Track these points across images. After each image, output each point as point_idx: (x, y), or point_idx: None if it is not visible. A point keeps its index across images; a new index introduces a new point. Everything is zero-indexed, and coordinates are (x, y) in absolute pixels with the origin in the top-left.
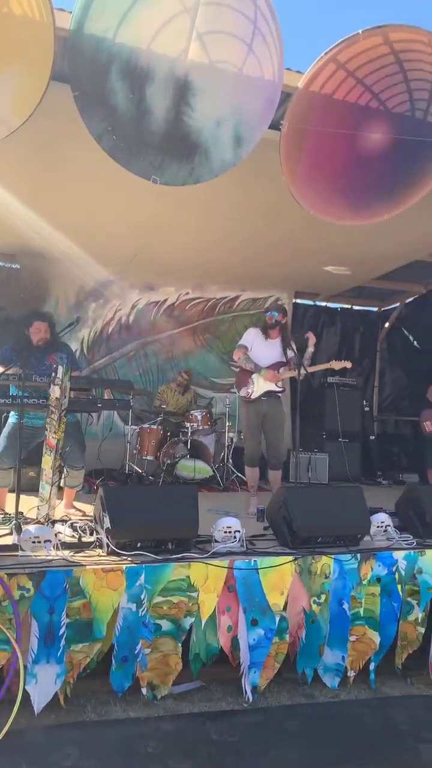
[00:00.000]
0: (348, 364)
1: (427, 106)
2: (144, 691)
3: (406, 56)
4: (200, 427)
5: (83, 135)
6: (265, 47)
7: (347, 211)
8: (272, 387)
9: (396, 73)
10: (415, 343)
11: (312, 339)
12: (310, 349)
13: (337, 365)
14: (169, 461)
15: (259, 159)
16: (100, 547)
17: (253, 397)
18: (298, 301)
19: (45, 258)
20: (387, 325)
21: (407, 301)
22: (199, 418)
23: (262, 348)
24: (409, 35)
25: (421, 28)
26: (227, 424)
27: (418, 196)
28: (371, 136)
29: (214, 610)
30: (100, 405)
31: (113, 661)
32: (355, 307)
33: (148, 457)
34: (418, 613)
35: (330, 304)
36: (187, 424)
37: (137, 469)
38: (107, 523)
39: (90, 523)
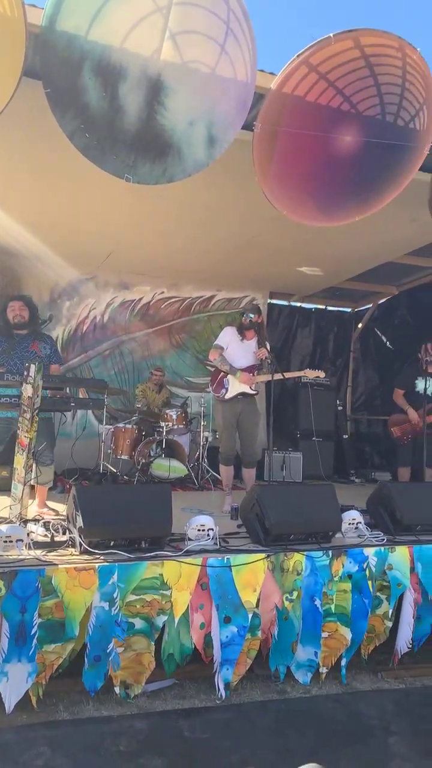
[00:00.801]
0: (322, 374)
1: (397, 110)
2: (117, 690)
3: (376, 60)
4: (175, 427)
5: (55, 133)
6: (237, 48)
7: (319, 212)
8: (246, 389)
9: (367, 76)
10: (388, 343)
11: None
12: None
13: (311, 374)
14: (143, 460)
15: (234, 160)
16: (73, 546)
17: (227, 397)
18: (273, 301)
19: (17, 256)
20: (360, 325)
21: (380, 302)
22: (174, 417)
23: (237, 349)
24: (379, 40)
25: (392, 33)
26: (202, 423)
27: (389, 199)
28: (343, 139)
29: (188, 607)
30: (73, 404)
31: (86, 661)
32: (329, 308)
33: (123, 457)
34: (387, 608)
35: (304, 305)
36: (162, 424)
37: (112, 468)
38: (80, 522)
39: (63, 523)
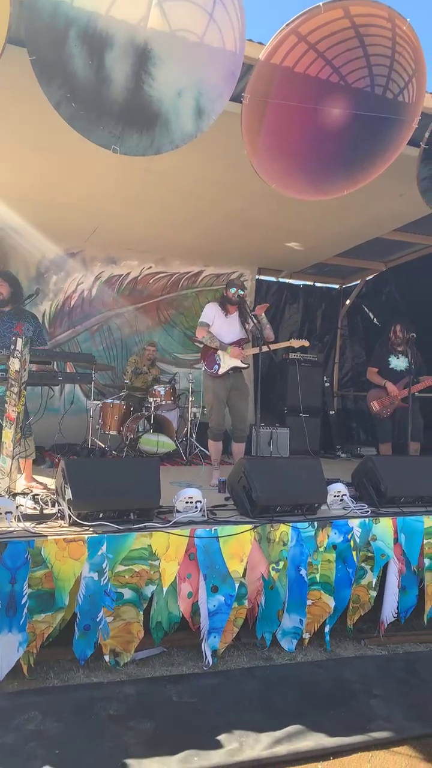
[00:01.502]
0: (306, 343)
1: (386, 82)
2: (107, 658)
3: (366, 31)
4: (163, 402)
5: (39, 105)
6: (226, 16)
7: (308, 185)
8: (238, 363)
9: (356, 47)
10: (375, 320)
11: (261, 311)
12: (264, 321)
13: (296, 343)
14: (132, 436)
15: (223, 132)
16: (62, 518)
17: (221, 372)
18: (262, 277)
19: (3, 230)
20: (348, 302)
21: (368, 278)
22: (162, 393)
23: (223, 324)
24: (369, 9)
25: (381, 2)
26: (190, 399)
27: (377, 173)
28: (331, 111)
29: (175, 577)
30: (60, 378)
31: (76, 630)
32: (318, 284)
33: (111, 432)
34: (371, 578)
35: (293, 281)
36: (151, 399)
37: (100, 443)
38: (69, 495)
39: (52, 495)
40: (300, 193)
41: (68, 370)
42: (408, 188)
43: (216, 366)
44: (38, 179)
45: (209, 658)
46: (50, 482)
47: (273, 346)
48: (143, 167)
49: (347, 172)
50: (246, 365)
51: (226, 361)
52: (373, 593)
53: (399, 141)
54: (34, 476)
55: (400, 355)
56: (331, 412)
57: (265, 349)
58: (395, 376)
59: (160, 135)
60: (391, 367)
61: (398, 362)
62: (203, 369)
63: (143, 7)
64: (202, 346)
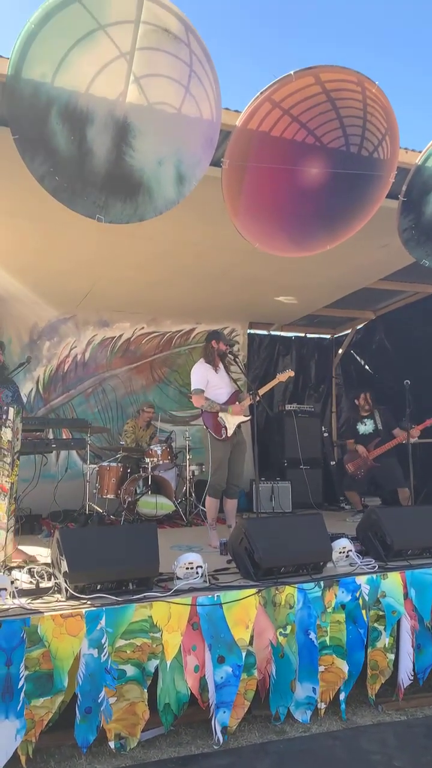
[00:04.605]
0: (291, 373)
1: (360, 141)
2: (112, 744)
3: (337, 95)
4: (161, 462)
5: (25, 176)
6: (201, 88)
7: (290, 244)
8: (241, 418)
9: (329, 110)
10: (367, 367)
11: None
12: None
13: (283, 377)
14: (129, 498)
15: (206, 195)
16: (59, 592)
17: (229, 434)
18: (253, 331)
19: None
20: (340, 351)
21: (358, 327)
22: (159, 452)
23: (217, 381)
24: (339, 75)
25: (350, 68)
26: (188, 457)
27: (358, 227)
28: (309, 171)
29: (179, 650)
30: (54, 446)
31: (77, 713)
32: (309, 335)
33: (109, 496)
34: (385, 639)
35: (284, 333)
36: (148, 460)
37: (97, 508)
38: (65, 567)
39: (48, 568)
40: (283, 251)
41: (64, 436)
42: (391, 239)
43: (223, 431)
44: (26, 248)
45: (219, 735)
46: (46, 552)
47: (262, 390)
48: (128, 233)
49: (328, 229)
50: (248, 416)
51: (231, 421)
52: (392, 656)
53: (377, 196)
54: (32, 546)
55: (366, 421)
56: (332, 463)
57: (261, 391)
58: (365, 439)
59: (143, 203)
60: (360, 433)
61: (365, 428)
62: (209, 434)
63: (121, 84)
64: (202, 411)
